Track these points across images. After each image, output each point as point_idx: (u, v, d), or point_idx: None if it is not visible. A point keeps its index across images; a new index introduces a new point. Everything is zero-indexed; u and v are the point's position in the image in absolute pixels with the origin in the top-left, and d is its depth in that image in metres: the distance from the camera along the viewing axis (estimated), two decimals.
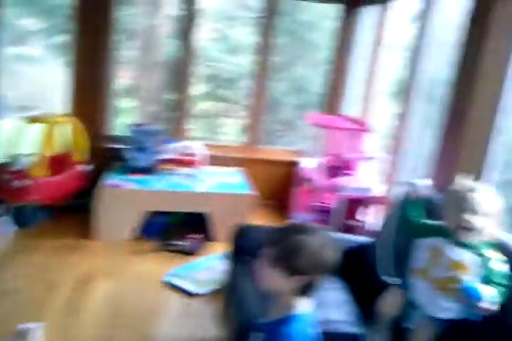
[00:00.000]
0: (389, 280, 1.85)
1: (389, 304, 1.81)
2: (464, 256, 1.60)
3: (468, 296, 1.50)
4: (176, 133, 4.74)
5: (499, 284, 1.55)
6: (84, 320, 2.64)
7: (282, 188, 4.80)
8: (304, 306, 1.33)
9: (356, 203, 3.57)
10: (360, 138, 3.63)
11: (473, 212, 1.57)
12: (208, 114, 5.78)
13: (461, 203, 1.60)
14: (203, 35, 4.99)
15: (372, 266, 2.16)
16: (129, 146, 4.06)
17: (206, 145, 4.69)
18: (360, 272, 2.24)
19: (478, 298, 1.48)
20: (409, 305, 1.75)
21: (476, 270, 1.57)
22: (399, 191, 1.76)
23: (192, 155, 4.21)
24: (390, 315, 1.82)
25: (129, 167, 4.08)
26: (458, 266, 1.60)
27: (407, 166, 3.55)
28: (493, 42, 2.39)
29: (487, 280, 1.56)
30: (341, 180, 3.42)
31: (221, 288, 3.04)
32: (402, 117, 3.51)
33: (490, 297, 1.50)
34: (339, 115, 4.41)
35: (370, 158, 3.54)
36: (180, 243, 3.59)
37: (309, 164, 4.15)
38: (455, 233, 1.62)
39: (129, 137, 4.07)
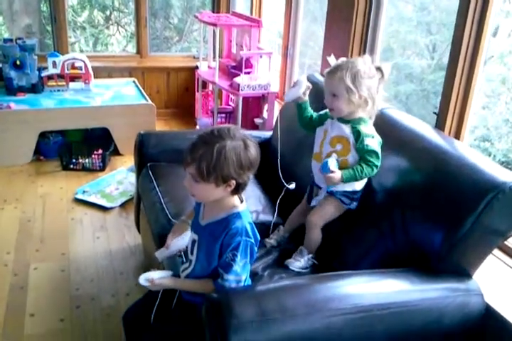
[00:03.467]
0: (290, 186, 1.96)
1: None
2: (344, 129, 1.73)
3: (321, 169, 1.69)
4: (59, 46, 4.38)
5: (367, 162, 1.67)
6: None
7: (183, 94, 4.71)
8: (240, 203, 1.40)
9: (257, 100, 3.60)
10: (253, 35, 3.57)
11: (328, 93, 1.69)
12: (90, 24, 5.32)
13: (323, 86, 1.73)
14: None
15: (274, 158, 2.22)
16: (4, 64, 3.71)
17: (94, 56, 4.40)
18: (264, 165, 2.30)
19: (325, 170, 1.66)
20: (315, 187, 1.87)
21: (353, 143, 1.69)
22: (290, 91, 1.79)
23: (79, 68, 3.94)
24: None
25: (10, 87, 3.76)
26: (339, 139, 1.73)
27: (298, 61, 3.60)
28: None
29: (360, 155, 1.70)
30: (240, 79, 3.40)
31: (131, 198, 3.06)
32: (290, 13, 3.47)
33: (339, 173, 1.66)
34: (230, 13, 4.27)
35: (266, 54, 3.52)
36: (85, 160, 3.48)
37: (207, 67, 4.05)
38: (330, 113, 1.76)
39: (2, 54, 3.71)
